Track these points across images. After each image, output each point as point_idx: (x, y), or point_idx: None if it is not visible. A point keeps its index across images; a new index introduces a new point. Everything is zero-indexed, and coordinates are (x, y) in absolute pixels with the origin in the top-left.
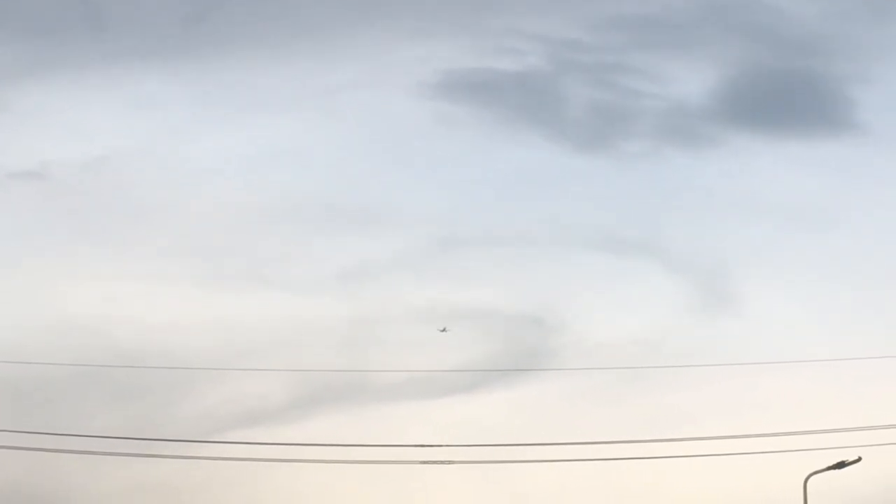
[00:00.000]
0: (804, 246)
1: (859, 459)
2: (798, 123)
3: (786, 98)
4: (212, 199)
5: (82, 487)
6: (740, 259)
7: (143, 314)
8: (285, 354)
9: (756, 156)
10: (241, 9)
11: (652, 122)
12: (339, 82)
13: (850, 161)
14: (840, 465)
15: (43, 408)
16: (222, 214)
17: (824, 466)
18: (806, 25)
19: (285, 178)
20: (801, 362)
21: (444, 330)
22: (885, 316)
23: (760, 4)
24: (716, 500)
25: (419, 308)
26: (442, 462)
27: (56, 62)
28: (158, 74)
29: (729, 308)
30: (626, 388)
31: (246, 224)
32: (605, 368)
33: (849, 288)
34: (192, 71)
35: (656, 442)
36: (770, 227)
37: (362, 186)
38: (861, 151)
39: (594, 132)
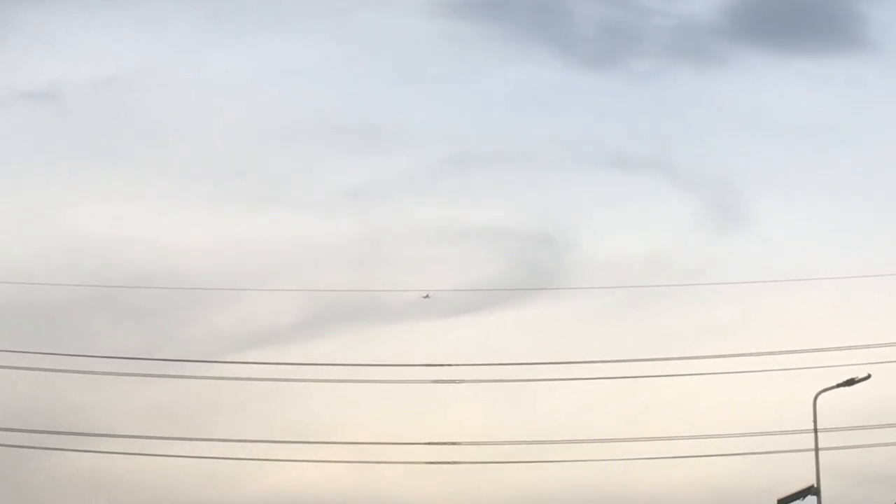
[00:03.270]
0: (814, 163)
1: (869, 377)
2: (808, 40)
3: (795, 15)
4: (222, 119)
5: (94, 408)
6: (750, 177)
7: (154, 235)
8: (296, 274)
9: (765, 73)
10: None
11: (661, 40)
12: (349, 1)
13: (861, 78)
14: (850, 382)
15: (54, 329)
16: (232, 134)
17: (834, 384)
18: None
19: (295, 97)
20: (811, 280)
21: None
22: (895, 233)
23: None
24: (726, 417)
25: (429, 227)
26: (453, 381)
27: None
28: None
29: (739, 226)
30: (636, 307)
31: (256, 144)
32: (615, 287)
33: (859, 206)
34: None
35: (666, 360)
36: (780, 144)
37: (372, 105)
38: (871, 68)
39: (603, 50)
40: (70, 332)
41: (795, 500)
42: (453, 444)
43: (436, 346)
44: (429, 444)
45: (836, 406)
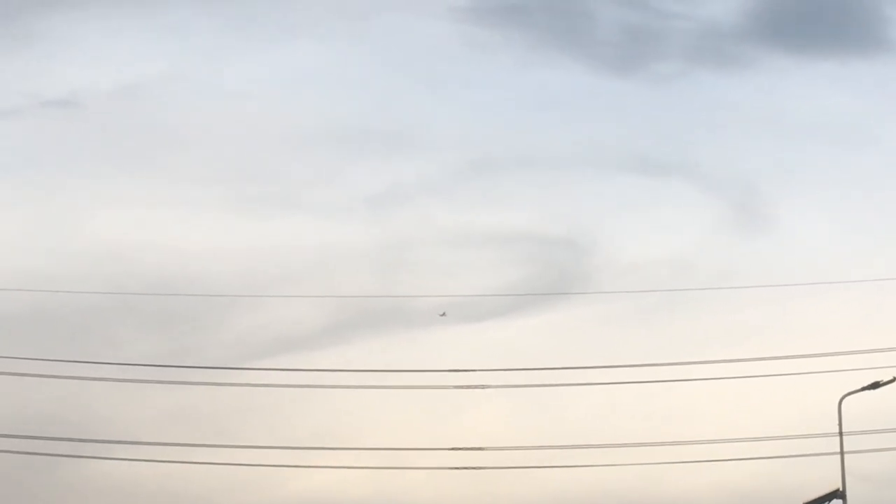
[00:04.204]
0: (837, 165)
1: (894, 379)
2: (830, 42)
3: (817, 17)
4: (243, 125)
5: (117, 415)
6: (773, 179)
7: (176, 241)
8: (318, 280)
9: (788, 75)
10: None
11: (683, 43)
12: (371, 6)
13: (884, 79)
14: (875, 385)
15: (76, 336)
16: (254, 140)
17: (859, 387)
18: None
19: (316, 102)
20: (835, 283)
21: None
22: None
23: None
24: (751, 421)
25: (451, 232)
26: (476, 387)
27: None
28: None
29: (762, 228)
30: (659, 311)
31: (277, 149)
32: (638, 291)
33: (883, 207)
34: None
35: (690, 364)
36: (803, 146)
37: (393, 110)
38: (894, 69)
39: (625, 54)
40: (92, 339)
41: (821, 503)
42: (477, 449)
43: (459, 352)
44: (452, 449)
45: (862, 409)
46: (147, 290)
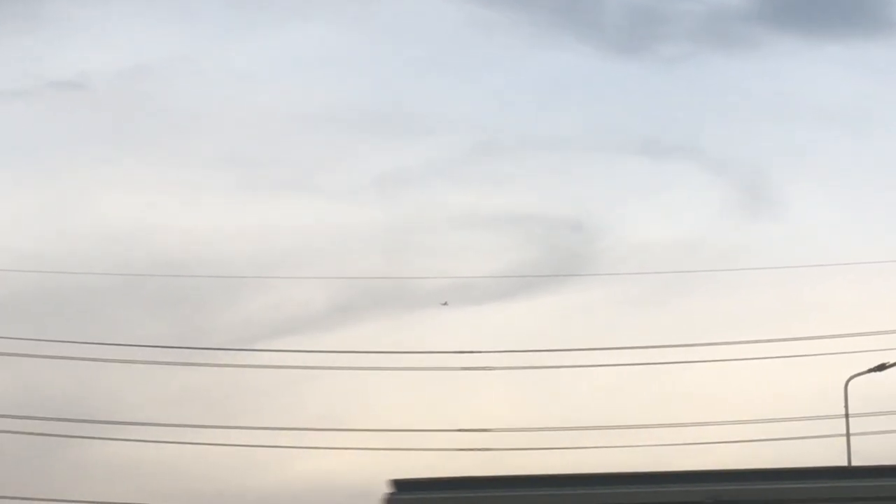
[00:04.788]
0: (845, 148)
1: None
2: (839, 24)
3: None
4: (250, 107)
5: (125, 396)
6: (780, 161)
7: (183, 223)
8: (325, 261)
9: (796, 58)
10: None
11: (691, 25)
12: None
13: (892, 63)
14: (881, 367)
15: (85, 317)
16: (260, 122)
17: (866, 368)
18: None
19: (323, 85)
20: (842, 265)
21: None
22: None
23: None
24: (756, 403)
25: (458, 214)
26: (483, 368)
27: None
28: None
29: (769, 211)
30: (666, 293)
31: (284, 131)
32: (645, 274)
33: (890, 189)
34: None
35: (697, 346)
36: (811, 129)
37: (400, 92)
38: None
39: (632, 35)
40: (100, 320)
41: None
42: (484, 430)
43: (466, 333)
44: (459, 430)
45: (868, 391)
46: (155, 272)
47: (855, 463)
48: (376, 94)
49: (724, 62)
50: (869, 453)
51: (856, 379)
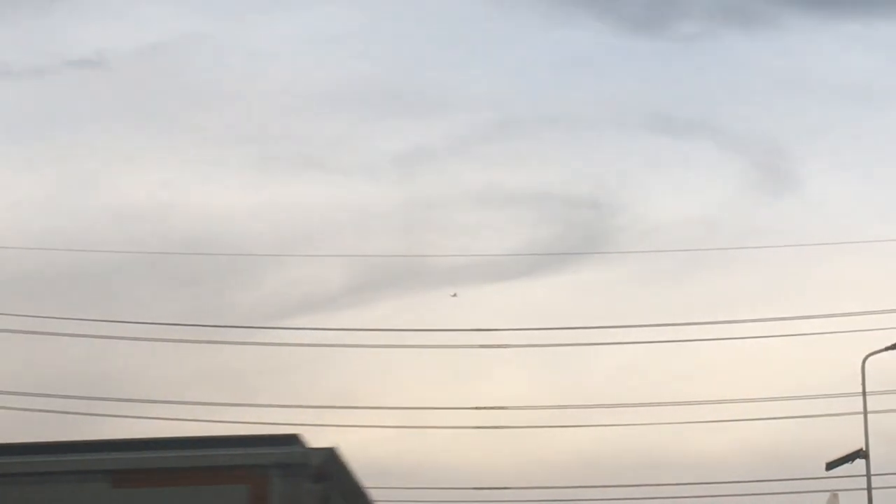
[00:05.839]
0: (862, 125)
1: None
2: (855, 2)
3: None
4: (268, 85)
5: (141, 374)
6: (797, 139)
7: (200, 200)
8: (342, 240)
9: (813, 35)
10: None
11: (708, 2)
12: None
13: None
14: None
15: (101, 295)
16: (278, 100)
17: (883, 347)
18: None
19: (340, 62)
20: (860, 242)
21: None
22: None
23: None
24: (774, 381)
25: (475, 192)
26: (500, 346)
27: None
28: None
29: (787, 189)
30: (683, 271)
31: (301, 109)
32: (662, 251)
33: None
34: None
35: (714, 324)
36: (828, 106)
37: (417, 70)
38: None
39: (650, 13)
40: (117, 298)
41: (844, 463)
42: (500, 408)
43: (483, 311)
44: (476, 408)
45: (886, 369)
46: (172, 250)
47: (872, 441)
48: (394, 72)
49: (741, 39)
50: (886, 431)
51: (873, 357)
